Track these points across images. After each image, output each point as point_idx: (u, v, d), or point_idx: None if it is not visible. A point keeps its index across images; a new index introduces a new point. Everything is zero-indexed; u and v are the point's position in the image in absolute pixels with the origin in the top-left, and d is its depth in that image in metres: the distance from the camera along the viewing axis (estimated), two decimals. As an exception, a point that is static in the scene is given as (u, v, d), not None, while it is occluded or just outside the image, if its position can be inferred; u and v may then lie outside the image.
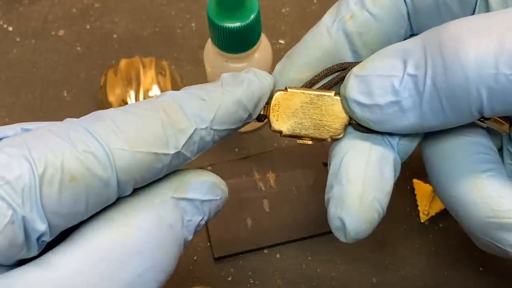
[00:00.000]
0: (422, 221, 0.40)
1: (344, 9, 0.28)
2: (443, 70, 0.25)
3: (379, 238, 0.40)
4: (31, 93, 0.47)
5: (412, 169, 0.42)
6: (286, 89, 0.29)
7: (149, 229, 0.25)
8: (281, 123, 0.29)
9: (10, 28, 0.50)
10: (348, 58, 0.29)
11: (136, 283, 0.24)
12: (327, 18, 0.29)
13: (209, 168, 0.42)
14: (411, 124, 0.27)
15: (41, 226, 0.23)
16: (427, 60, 0.25)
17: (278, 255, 0.40)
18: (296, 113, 0.29)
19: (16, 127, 0.25)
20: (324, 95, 0.29)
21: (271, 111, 0.29)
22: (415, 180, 0.42)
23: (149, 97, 0.43)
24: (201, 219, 0.27)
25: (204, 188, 0.27)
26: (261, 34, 0.38)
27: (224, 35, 0.36)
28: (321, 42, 0.29)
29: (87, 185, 0.23)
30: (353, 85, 0.27)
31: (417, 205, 0.41)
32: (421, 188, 0.41)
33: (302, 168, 0.42)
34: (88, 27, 0.50)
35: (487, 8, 0.28)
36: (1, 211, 0.22)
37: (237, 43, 0.37)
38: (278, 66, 0.31)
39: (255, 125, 0.44)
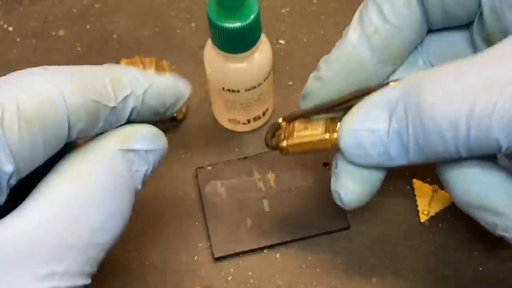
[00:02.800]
0: (422, 221, 0.40)
1: (368, 24, 0.31)
2: (422, 130, 0.28)
3: (378, 238, 0.40)
4: (31, 93, 0.47)
5: (412, 169, 0.42)
6: (286, 119, 0.34)
7: (104, 179, 0.27)
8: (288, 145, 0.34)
9: (10, 28, 0.50)
10: (373, 70, 0.31)
11: (99, 229, 0.27)
12: (353, 35, 0.31)
13: (209, 168, 0.42)
14: (398, 165, 0.30)
15: (9, 167, 0.25)
16: (408, 120, 0.28)
17: (278, 255, 0.40)
18: (298, 137, 0.33)
19: None
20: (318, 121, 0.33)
21: (279, 140, 0.34)
22: (415, 180, 0.42)
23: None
24: (147, 169, 0.30)
25: (146, 139, 0.30)
26: (261, 34, 0.38)
27: (224, 35, 0.36)
28: (348, 59, 0.31)
29: (44, 128, 0.26)
30: (345, 139, 0.31)
31: (417, 205, 0.41)
32: (421, 188, 0.41)
33: (302, 168, 0.42)
34: (88, 27, 0.50)
35: (482, 17, 0.30)
36: None
37: (237, 43, 0.37)
38: (308, 85, 0.34)
39: (255, 124, 0.44)
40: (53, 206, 0.26)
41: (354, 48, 0.31)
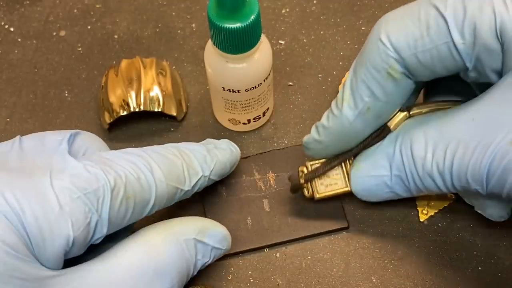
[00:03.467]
0: (421, 220, 0.40)
1: (360, 103, 0.34)
2: (417, 177, 0.34)
3: (378, 237, 0.40)
4: (33, 93, 0.47)
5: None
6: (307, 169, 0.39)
7: (172, 259, 0.32)
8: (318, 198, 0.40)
9: (12, 29, 0.50)
10: (366, 133, 0.36)
11: None
12: (348, 113, 0.35)
13: None
14: (404, 197, 0.37)
15: (104, 229, 0.30)
16: (405, 168, 0.35)
17: (278, 255, 0.40)
18: (325, 191, 0.39)
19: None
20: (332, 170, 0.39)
21: (307, 191, 0.40)
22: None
23: (150, 97, 0.43)
24: (207, 262, 0.35)
25: (218, 237, 0.36)
26: (261, 34, 0.38)
27: (224, 36, 0.36)
28: (344, 131, 0.36)
29: (135, 204, 0.32)
30: (356, 186, 0.38)
31: (416, 205, 0.41)
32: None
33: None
34: (89, 27, 0.50)
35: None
36: (85, 214, 0.29)
37: (237, 43, 0.37)
38: (310, 144, 0.38)
39: (255, 124, 0.44)
40: (123, 268, 0.31)
41: (350, 124, 0.35)
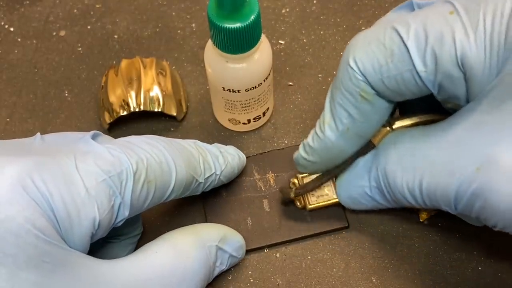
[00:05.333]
0: (421, 220, 0.40)
1: (340, 125, 0.35)
2: (391, 191, 0.35)
3: (378, 237, 0.40)
4: (33, 93, 0.47)
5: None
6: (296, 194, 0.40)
7: (198, 263, 0.34)
8: (309, 209, 0.41)
9: (12, 29, 0.50)
10: (351, 150, 0.37)
11: None
12: (330, 134, 0.36)
13: None
14: (387, 207, 0.38)
15: (126, 212, 0.31)
16: (380, 182, 0.36)
17: (278, 255, 0.40)
18: (317, 202, 0.41)
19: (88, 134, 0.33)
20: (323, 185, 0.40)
21: (299, 203, 0.41)
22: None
23: (150, 97, 0.43)
24: (223, 269, 0.37)
25: (236, 246, 0.38)
26: (261, 34, 0.38)
27: (224, 36, 0.36)
28: (329, 151, 0.37)
29: (156, 188, 0.32)
30: (341, 195, 0.40)
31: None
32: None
33: None
34: (89, 27, 0.50)
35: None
36: (109, 197, 0.30)
37: (237, 43, 0.37)
38: (300, 160, 0.39)
39: (255, 124, 0.44)
40: (157, 269, 0.32)
41: (333, 144, 0.36)
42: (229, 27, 0.36)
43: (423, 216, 0.40)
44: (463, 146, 0.31)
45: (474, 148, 0.31)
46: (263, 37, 0.39)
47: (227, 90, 0.40)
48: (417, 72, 0.32)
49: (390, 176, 0.35)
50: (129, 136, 0.34)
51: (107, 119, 0.43)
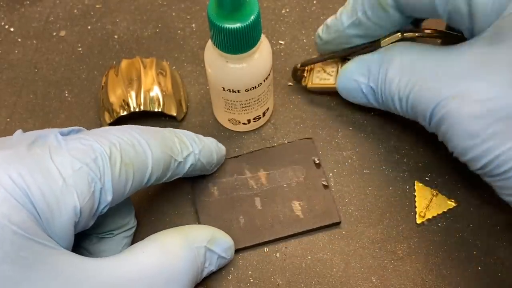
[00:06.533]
0: (417, 222, 0.41)
1: (355, 16, 0.39)
2: (385, 94, 0.39)
3: (378, 237, 0.40)
4: (33, 93, 0.47)
5: (415, 171, 0.42)
6: (302, 64, 0.45)
7: (186, 264, 0.33)
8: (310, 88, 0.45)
9: (12, 29, 0.50)
10: (357, 42, 0.41)
11: None
12: (345, 19, 0.40)
13: None
14: (375, 107, 0.42)
15: (109, 197, 0.31)
16: (378, 83, 0.40)
17: (278, 254, 0.40)
18: (317, 82, 0.45)
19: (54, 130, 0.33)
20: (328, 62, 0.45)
21: (302, 79, 0.46)
22: (416, 182, 0.42)
23: (150, 97, 0.43)
24: (212, 270, 0.37)
25: (225, 247, 0.37)
26: (261, 35, 0.38)
27: (224, 36, 0.36)
28: (339, 34, 0.41)
29: (135, 170, 0.33)
30: (339, 85, 0.43)
31: (416, 206, 0.41)
32: (421, 190, 0.42)
33: (292, 165, 0.42)
34: (89, 27, 0.50)
35: None
36: (88, 184, 0.30)
37: (237, 44, 0.37)
38: (316, 37, 0.44)
39: (255, 124, 0.44)
40: (145, 267, 0.32)
41: (344, 29, 0.40)
42: (229, 27, 0.36)
43: (420, 219, 0.41)
44: (451, 73, 0.35)
45: (458, 78, 0.34)
46: (263, 37, 0.39)
47: (227, 90, 0.40)
48: None
49: (388, 80, 0.38)
50: (101, 128, 0.35)
51: (107, 119, 0.43)
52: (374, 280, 0.39)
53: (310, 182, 0.42)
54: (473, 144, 0.34)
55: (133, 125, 0.35)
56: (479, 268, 0.39)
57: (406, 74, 0.37)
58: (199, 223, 0.41)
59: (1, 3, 0.51)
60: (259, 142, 0.44)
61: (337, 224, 0.41)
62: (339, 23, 0.40)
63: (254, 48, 0.38)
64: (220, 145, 0.41)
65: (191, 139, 0.38)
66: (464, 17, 0.35)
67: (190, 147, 0.37)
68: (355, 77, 0.41)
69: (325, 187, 0.42)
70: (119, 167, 0.32)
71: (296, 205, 0.41)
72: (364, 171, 0.43)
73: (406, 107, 0.38)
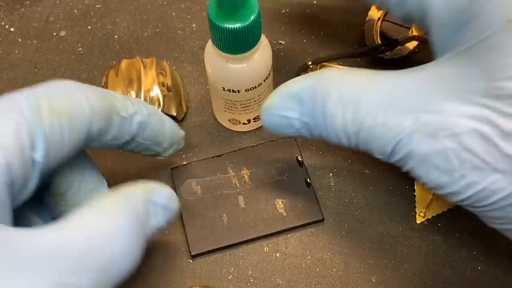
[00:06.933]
0: (417, 222, 0.41)
1: None
2: (325, 132, 0.34)
3: (378, 237, 0.40)
4: (33, 94, 0.47)
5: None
6: (313, 62, 0.45)
7: (127, 220, 0.30)
8: None
9: (12, 29, 0.50)
10: None
11: (115, 261, 0.29)
12: None
13: (184, 167, 0.43)
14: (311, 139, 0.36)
15: (41, 151, 0.29)
16: (314, 119, 0.34)
17: (278, 255, 0.40)
18: None
19: None
20: None
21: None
22: (417, 182, 0.42)
23: (150, 97, 0.43)
24: (161, 224, 0.33)
25: (165, 196, 0.34)
26: (261, 35, 0.38)
27: (224, 36, 0.36)
28: None
29: (70, 120, 0.30)
30: (266, 122, 0.36)
31: (415, 206, 0.41)
32: (422, 190, 0.41)
33: (276, 164, 0.42)
34: (89, 27, 0.50)
35: None
36: (15, 138, 0.28)
37: (237, 44, 0.37)
38: None
39: (255, 124, 0.44)
40: (83, 230, 0.29)
41: None
42: (229, 27, 0.36)
43: (420, 219, 0.41)
44: (409, 103, 0.31)
45: (417, 107, 0.31)
46: (263, 37, 0.39)
47: (227, 90, 0.40)
48: None
49: (329, 116, 0.33)
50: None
51: (107, 119, 0.43)
52: (374, 280, 0.39)
53: (293, 180, 0.42)
54: (450, 181, 0.30)
55: (68, 80, 0.33)
56: (479, 268, 0.39)
57: (349, 110, 0.32)
58: (182, 221, 0.41)
59: (1, 3, 0.51)
60: (259, 142, 0.44)
61: (319, 221, 0.41)
62: None
63: (254, 48, 0.38)
64: (178, 126, 0.39)
65: (139, 102, 0.36)
66: (417, 22, 0.33)
67: (137, 106, 0.35)
68: (283, 113, 0.35)
69: (308, 185, 0.42)
70: (49, 118, 0.29)
71: (279, 203, 0.41)
72: (364, 171, 0.43)
73: (357, 144, 0.33)
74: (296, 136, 0.38)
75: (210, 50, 0.39)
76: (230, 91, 0.40)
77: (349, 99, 0.33)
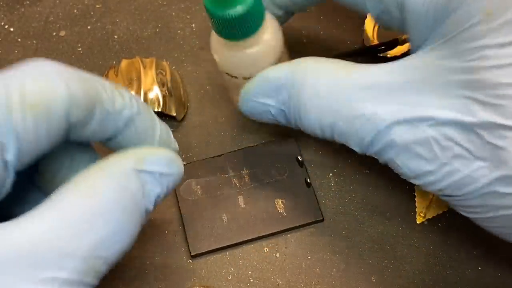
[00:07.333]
0: (417, 222, 0.40)
1: None
2: (300, 121, 0.34)
3: (378, 237, 0.40)
4: (33, 94, 0.47)
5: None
6: None
7: (112, 196, 0.27)
8: None
9: (12, 29, 0.50)
10: None
11: (104, 243, 0.27)
12: None
13: (184, 163, 0.42)
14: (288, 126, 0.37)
15: (12, 152, 0.26)
16: (290, 107, 0.34)
17: (278, 255, 0.40)
18: None
19: None
20: None
21: None
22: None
23: (150, 97, 0.43)
24: (160, 192, 0.30)
25: (161, 162, 0.30)
26: (264, 15, 0.36)
27: (223, 24, 0.35)
28: None
29: (46, 111, 0.27)
30: (243, 107, 0.37)
31: (416, 206, 0.41)
32: (421, 190, 0.41)
33: (275, 163, 0.42)
34: (89, 27, 0.50)
35: None
36: None
37: (239, 29, 0.35)
38: None
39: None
40: (59, 216, 0.26)
41: None
42: (226, 14, 0.33)
43: (420, 219, 0.41)
44: (386, 95, 0.31)
45: (398, 99, 0.31)
46: (270, 18, 0.37)
47: (242, 77, 0.38)
48: None
49: (303, 109, 0.34)
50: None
51: (107, 119, 0.43)
52: (374, 280, 0.39)
53: (293, 180, 0.42)
54: (432, 169, 0.31)
55: (43, 58, 0.29)
56: (479, 268, 0.39)
57: (324, 101, 0.33)
58: (182, 221, 0.41)
59: (1, 3, 0.51)
60: (258, 142, 0.44)
61: (319, 221, 0.41)
62: None
63: (260, 30, 0.36)
64: (172, 138, 0.35)
65: (133, 97, 0.31)
66: (394, 20, 0.33)
67: (127, 100, 0.31)
68: (260, 99, 0.36)
69: (308, 185, 0.42)
70: (21, 112, 0.26)
71: (279, 203, 0.41)
72: (364, 171, 0.43)
73: (331, 135, 0.34)
74: (274, 123, 0.37)
75: (215, 39, 0.38)
76: (244, 78, 0.38)
77: (324, 89, 0.33)
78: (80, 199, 0.27)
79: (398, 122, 0.31)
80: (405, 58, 0.32)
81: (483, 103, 0.29)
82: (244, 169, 0.43)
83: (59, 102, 0.27)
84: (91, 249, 0.26)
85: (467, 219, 0.41)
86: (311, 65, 0.34)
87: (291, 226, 0.40)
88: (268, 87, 0.35)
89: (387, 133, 0.31)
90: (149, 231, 0.41)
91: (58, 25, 0.50)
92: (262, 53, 0.37)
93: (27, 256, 0.25)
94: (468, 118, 0.29)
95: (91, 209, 0.27)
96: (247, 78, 0.38)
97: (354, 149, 0.34)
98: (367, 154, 0.34)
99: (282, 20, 0.40)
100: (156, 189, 0.30)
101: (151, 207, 0.30)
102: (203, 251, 0.40)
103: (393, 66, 0.32)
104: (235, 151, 0.43)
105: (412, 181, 0.33)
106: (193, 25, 0.50)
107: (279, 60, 0.38)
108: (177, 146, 0.35)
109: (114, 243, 0.27)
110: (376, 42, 0.46)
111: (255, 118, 0.37)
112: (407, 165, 0.32)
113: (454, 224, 0.41)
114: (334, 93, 0.32)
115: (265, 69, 0.37)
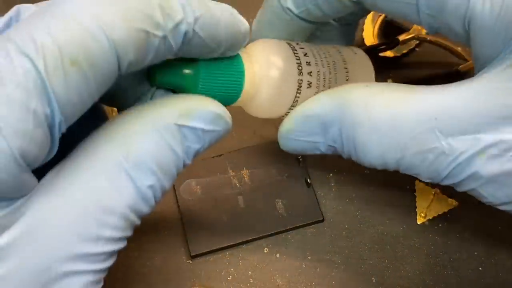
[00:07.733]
0: (418, 222, 0.40)
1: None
2: (356, 156, 0.31)
3: (378, 237, 0.40)
4: (33, 94, 0.47)
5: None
6: None
7: (152, 149, 0.26)
8: None
9: (12, 29, 0.50)
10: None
11: (141, 197, 0.26)
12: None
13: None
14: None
15: (58, 118, 0.23)
16: (343, 144, 0.32)
17: (278, 255, 0.40)
18: None
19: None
20: None
21: None
22: (417, 182, 0.42)
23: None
24: (201, 147, 0.28)
25: (208, 118, 0.28)
26: (242, 82, 0.31)
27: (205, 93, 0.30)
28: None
29: (91, 65, 0.23)
30: (285, 146, 0.34)
31: (416, 206, 0.41)
32: (422, 190, 0.41)
33: (275, 164, 0.42)
34: (89, 28, 0.50)
35: None
36: (24, 116, 0.22)
37: (219, 97, 0.30)
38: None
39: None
40: (97, 173, 0.25)
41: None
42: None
43: (421, 219, 0.40)
44: (462, 123, 0.28)
45: (475, 126, 0.28)
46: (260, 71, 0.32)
47: (281, 116, 0.35)
48: (418, 8, 0.30)
49: (361, 147, 0.30)
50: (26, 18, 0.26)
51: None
52: (374, 281, 0.39)
53: (293, 180, 0.42)
54: None
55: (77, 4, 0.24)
56: (480, 268, 0.39)
57: (386, 138, 0.29)
58: (182, 221, 0.41)
59: (1, 4, 0.51)
60: (258, 142, 0.44)
61: (319, 222, 0.41)
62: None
63: (246, 85, 0.31)
64: (237, 15, 0.29)
65: (184, 0, 0.26)
66: (456, 36, 0.30)
67: (180, 12, 0.25)
68: (306, 138, 0.33)
69: (308, 185, 0.42)
70: (63, 72, 0.23)
71: (279, 204, 0.41)
72: (365, 171, 0.43)
73: (396, 168, 0.31)
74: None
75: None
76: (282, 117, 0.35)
77: (384, 124, 0.29)
78: (119, 151, 0.26)
79: (480, 153, 0.28)
80: (472, 80, 0.29)
81: None
82: (244, 169, 0.43)
83: (103, 52, 0.23)
84: (130, 204, 0.26)
85: (467, 219, 0.41)
86: (359, 97, 0.30)
87: (291, 226, 0.40)
88: (312, 125, 0.32)
89: (468, 166, 0.29)
90: (149, 231, 0.41)
91: (58, 25, 0.50)
92: (271, 96, 0.32)
93: (73, 216, 0.25)
94: None
95: (129, 164, 0.26)
96: (284, 115, 0.34)
97: (424, 180, 0.31)
98: (441, 184, 0.31)
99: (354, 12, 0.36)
100: (196, 145, 0.28)
101: (188, 161, 0.28)
102: (203, 252, 0.40)
103: (461, 89, 0.29)
104: (235, 151, 0.43)
105: (499, 207, 0.31)
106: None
107: (303, 81, 0.33)
108: (246, 25, 0.29)
109: (150, 197, 0.27)
110: (376, 42, 0.46)
111: (299, 154, 0.36)
112: (494, 195, 0.30)
113: (455, 225, 0.40)
114: (396, 127, 0.29)
115: (294, 101, 0.33)
